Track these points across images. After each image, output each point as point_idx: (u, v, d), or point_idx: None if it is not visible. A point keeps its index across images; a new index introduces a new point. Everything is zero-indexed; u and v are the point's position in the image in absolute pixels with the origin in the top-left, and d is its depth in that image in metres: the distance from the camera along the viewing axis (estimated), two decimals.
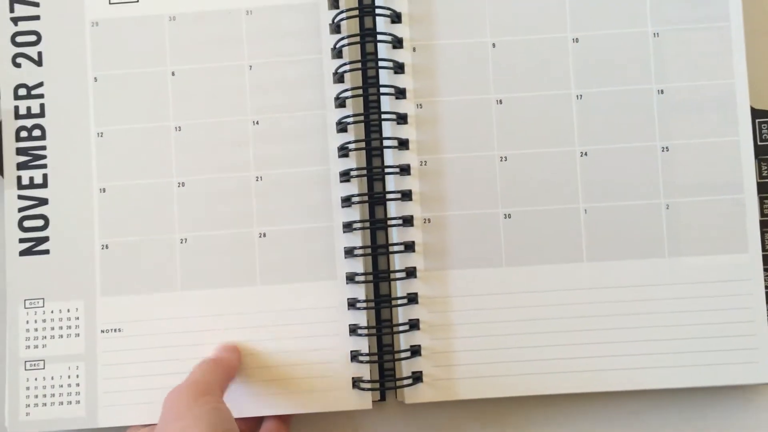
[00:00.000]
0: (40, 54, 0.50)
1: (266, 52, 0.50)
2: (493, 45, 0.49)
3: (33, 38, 0.50)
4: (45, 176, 0.50)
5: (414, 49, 0.49)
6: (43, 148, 0.50)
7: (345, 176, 0.48)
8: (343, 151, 0.48)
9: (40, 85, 0.50)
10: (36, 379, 0.48)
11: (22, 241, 0.49)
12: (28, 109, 0.50)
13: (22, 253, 0.49)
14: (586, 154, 0.48)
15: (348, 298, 0.48)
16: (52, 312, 0.49)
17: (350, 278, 0.48)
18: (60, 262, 0.49)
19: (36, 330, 0.49)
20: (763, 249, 0.48)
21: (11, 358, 0.49)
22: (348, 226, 0.48)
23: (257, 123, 0.49)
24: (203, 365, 0.45)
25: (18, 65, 0.50)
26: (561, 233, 0.48)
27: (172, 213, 0.49)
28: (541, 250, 0.48)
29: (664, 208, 0.48)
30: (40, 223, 0.49)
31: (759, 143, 0.49)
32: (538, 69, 0.49)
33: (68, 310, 0.49)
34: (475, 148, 0.48)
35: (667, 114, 0.48)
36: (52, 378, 0.48)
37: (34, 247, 0.49)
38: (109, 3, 0.50)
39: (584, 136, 0.48)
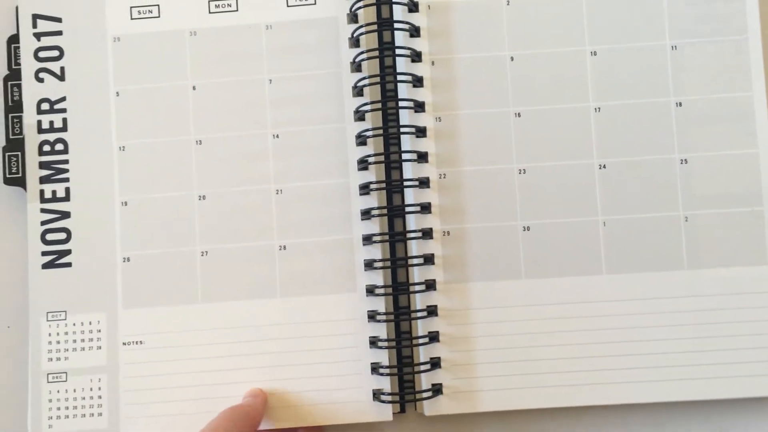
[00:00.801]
0: (62, 69, 0.51)
1: (286, 67, 0.50)
2: (512, 58, 0.49)
3: (56, 53, 0.51)
4: (67, 190, 0.50)
5: (433, 63, 0.49)
6: (66, 162, 0.50)
7: (364, 189, 0.48)
8: (363, 164, 0.48)
9: (63, 99, 0.51)
10: (58, 392, 0.49)
11: (45, 254, 0.50)
12: (51, 123, 0.51)
13: (45, 266, 0.50)
14: (604, 166, 0.48)
15: (368, 311, 0.48)
16: (74, 324, 0.49)
17: (370, 291, 0.48)
18: (82, 275, 0.50)
19: (58, 342, 0.49)
20: None
21: (34, 371, 0.49)
22: (367, 239, 0.48)
23: (277, 136, 0.50)
24: (223, 413, 0.44)
25: (41, 80, 0.51)
26: (580, 245, 0.48)
27: (193, 226, 0.49)
28: (561, 263, 0.48)
29: (683, 221, 0.48)
30: (62, 236, 0.50)
31: None
32: (557, 82, 0.49)
33: (90, 323, 0.49)
34: (494, 161, 0.49)
35: (686, 126, 0.48)
36: (75, 390, 0.49)
37: (56, 260, 0.50)
38: (131, 18, 0.51)
39: (603, 148, 0.48)
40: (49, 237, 0.50)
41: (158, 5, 0.51)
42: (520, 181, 0.48)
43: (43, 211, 0.50)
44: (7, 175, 0.51)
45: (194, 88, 0.50)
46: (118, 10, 0.51)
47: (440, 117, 0.49)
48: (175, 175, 0.50)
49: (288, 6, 0.50)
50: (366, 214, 0.48)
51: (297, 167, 0.49)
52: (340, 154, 0.49)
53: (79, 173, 0.50)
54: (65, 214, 0.50)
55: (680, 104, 0.49)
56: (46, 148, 0.50)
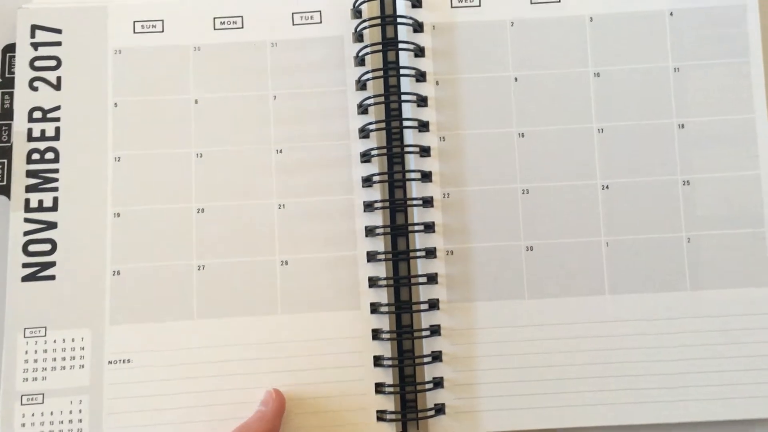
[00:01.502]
0: (59, 78, 0.50)
1: (291, 83, 0.50)
2: (515, 79, 0.49)
3: (53, 63, 0.51)
4: (55, 199, 0.49)
5: (437, 83, 0.49)
6: (56, 171, 0.49)
7: (369, 207, 0.48)
8: (368, 182, 0.48)
9: (57, 108, 0.50)
10: (33, 415, 0.46)
11: (25, 266, 0.48)
12: (42, 131, 0.50)
13: (25, 278, 0.48)
14: (607, 187, 0.49)
15: (372, 329, 0.48)
16: (54, 341, 0.47)
17: (374, 309, 0.48)
18: (66, 289, 0.48)
19: (35, 361, 0.47)
20: None
21: (6, 392, 0.46)
22: (371, 257, 0.48)
23: (280, 152, 0.50)
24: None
25: (35, 89, 0.50)
26: (583, 266, 0.48)
27: (190, 239, 0.49)
28: (564, 283, 0.48)
29: (686, 242, 0.48)
30: (46, 247, 0.48)
31: None
32: (560, 103, 0.49)
33: (73, 340, 0.47)
34: (498, 181, 0.49)
35: (688, 148, 0.49)
36: (51, 413, 0.46)
37: (38, 272, 0.48)
38: (134, 32, 0.51)
39: (605, 169, 0.49)
40: (32, 248, 0.48)
41: (162, 20, 0.51)
42: (524, 202, 0.49)
43: (27, 220, 0.49)
44: None
45: (196, 101, 0.50)
46: (121, 24, 0.51)
47: (444, 136, 0.49)
48: (174, 187, 0.49)
49: (294, 24, 0.51)
50: (370, 231, 0.48)
51: (300, 183, 0.49)
52: (344, 172, 0.49)
53: (70, 182, 0.49)
54: (51, 225, 0.49)
55: (683, 126, 0.49)
56: (35, 156, 0.49)
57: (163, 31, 0.51)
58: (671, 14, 0.50)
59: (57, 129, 0.50)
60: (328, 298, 0.48)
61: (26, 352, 0.47)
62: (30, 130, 0.50)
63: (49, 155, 0.49)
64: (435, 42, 0.50)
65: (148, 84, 0.50)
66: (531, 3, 0.50)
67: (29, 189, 0.49)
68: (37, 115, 0.50)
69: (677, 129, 0.49)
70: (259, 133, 0.50)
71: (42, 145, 0.50)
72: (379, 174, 0.48)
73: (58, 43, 0.51)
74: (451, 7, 0.50)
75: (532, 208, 0.49)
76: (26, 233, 0.48)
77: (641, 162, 0.49)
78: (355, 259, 0.48)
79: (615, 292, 0.48)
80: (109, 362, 0.47)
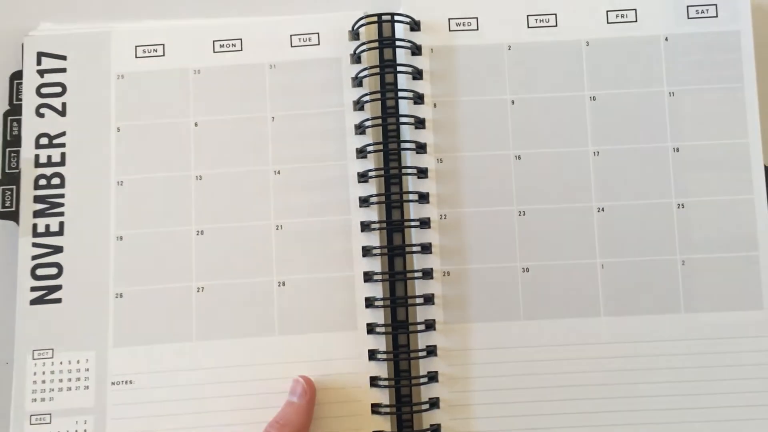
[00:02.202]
0: (64, 105, 0.51)
1: (289, 105, 0.50)
2: (512, 102, 0.50)
3: (58, 89, 0.51)
4: (62, 224, 0.50)
5: (435, 105, 0.50)
6: (62, 196, 0.50)
7: (366, 227, 0.49)
8: (365, 202, 0.49)
9: (63, 134, 0.51)
10: None
11: (34, 289, 0.49)
12: (49, 157, 0.50)
13: (34, 302, 0.49)
14: (603, 209, 0.49)
15: (369, 350, 0.48)
16: (61, 363, 0.48)
17: (370, 330, 0.48)
18: (72, 311, 0.49)
19: (44, 382, 0.48)
20: None
21: (16, 412, 0.48)
22: (368, 277, 0.48)
23: (278, 173, 0.50)
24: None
25: (41, 115, 0.51)
26: (578, 288, 0.49)
27: (189, 261, 0.49)
28: (559, 305, 0.48)
29: (680, 264, 0.49)
30: (53, 271, 0.49)
31: None
32: (556, 126, 0.50)
33: (78, 361, 0.48)
34: (494, 203, 0.49)
35: (683, 171, 0.49)
36: None
37: (46, 295, 0.49)
38: (136, 57, 0.51)
39: (601, 192, 0.49)
40: (40, 272, 0.49)
41: (163, 44, 0.51)
42: (520, 223, 0.49)
43: (35, 245, 0.49)
44: (1, 209, 0.51)
45: (196, 124, 0.50)
46: (124, 49, 0.51)
47: (441, 158, 0.50)
48: (174, 209, 0.50)
49: (292, 46, 0.51)
50: (368, 251, 0.49)
51: (298, 203, 0.50)
52: (342, 192, 0.50)
53: (75, 207, 0.50)
54: (58, 249, 0.49)
55: (677, 149, 0.49)
56: (42, 182, 0.50)
57: (164, 55, 0.51)
58: (666, 39, 0.50)
59: (63, 154, 0.50)
60: (325, 319, 0.48)
61: (35, 374, 0.48)
62: (37, 156, 0.50)
63: (56, 180, 0.50)
64: (433, 65, 0.50)
65: (149, 108, 0.51)
66: (528, 27, 0.50)
67: (37, 214, 0.50)
68: (44, 141, 0.51)
69: (672, 153, 0.49)
70: (258, 155, 0.50)
71: (49, 171, 0.50)
72: (376, 195, 0.49)
73: (63, 70, 0.51)
74: (449, 30, 0.50)
75: (529, 229, 0.49)
76: (34, 257, 0.49)
77: (636, 185, 0.49)
78: (352, 280, 0.49)
79: (610, 314, 0.48)
80: (113, 383, 0.48)
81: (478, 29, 0.50)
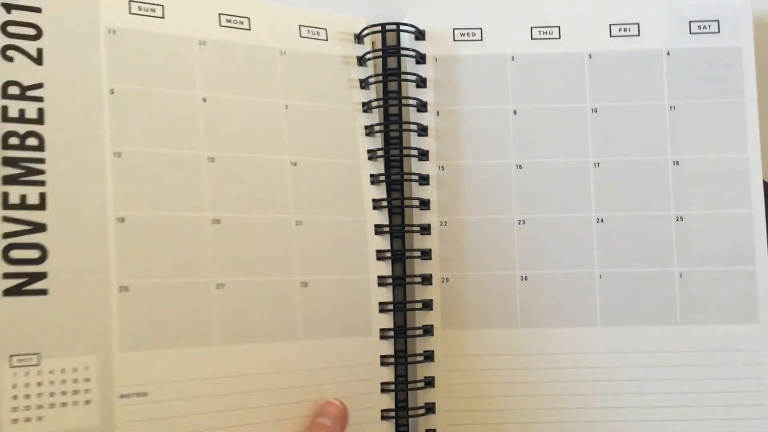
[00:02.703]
0: (40, 51, 0.42)
1: (301, 95, 0.48)
2: (515, 112, 0.50)
3: (32, 31, 0.42)
4: (42, 196, 0.40)
5: (438, 113, 0.51)
6: (41, 161, 0.41)
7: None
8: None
9: (39, 86, 0.42)
10: None
11: (8, 276, 0.39)
12: (21, 111, 0.41)
13: (9, 292, 0.39)
14: (602, 220, 0.50)
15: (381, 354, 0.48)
16: (51, 372, 0.39)
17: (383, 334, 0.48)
18: (63, 306, 0.40)
19: (28, 396, 0.38)
20: None
21: None
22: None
23: (295, 164, 0.47)
24: None
25: (9, 59, 0.41)
26: (576, 297, 0.49)
27: (206, 252, 0.44)
28: (557, 313, 0.49)
29: (678, 276, 0.49)
30: (34, 254, 0.40)
31: None
32: (558, 136, 0.50)
33: (75, 370, 0.39)
34: (494, 211, 0.50)
35: (682, 184, 0.50)
36: None
37: (25, 284, 0.39)
38: (129, 12, 0.45)
39: (601, 203, 0.50)
40: (15, 254, 0.39)
41: (162, 5, 0.46)
42: (520, 232, 0.49)
43: (7, 219, 0.40)
44: None
45: (204, 100, 0.45)
46: (113, 1, 0.45)
47: (443, 166, 0.50)
48: (185, 192, 0.44)
49: (301, 36, 0.49)
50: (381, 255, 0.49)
51: (316, 198, 0.47)
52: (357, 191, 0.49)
53: (60, 177, 0.41)
54: (39, 227, 0.40)
55: (677, 163, 0.50)
56: (13, 140, 0.41)
57: (163, 17, 0.46)
58: (668, 54, 0.51)
59: (40, 110, 0.41)
60: (341, 324, 0.47)
61: (14, 386, 0.38)
62: (5, 108, 0.41)
63: (32, 141, 0.41)
64: (437, 74, 0.51)
65: (148, 73, 0.44)
66: (531, 39, 0.51)
67: (7, 180, 0.40)
68: (14, 90, 0.41)
69: (672, 166, 0.50)
70: (273, 143, 0.47)
71: (21, 128, 0.41)
72: (378, 200, 0.49)
73: (38, 9, 0.42)
74: (454, 40, 0.51)
75: (528, 238, 0.49)
76: (7, 235, 0.39)
77: (636, 196, 0.50)
78: (360, 283, 0.48)
79: (607, 323, 0.49)
80: (122, 396, 0.40)
81: (482, 40, 0.51)
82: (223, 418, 0.42)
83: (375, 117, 0.50)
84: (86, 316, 0.40)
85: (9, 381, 0.38)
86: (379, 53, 0.51)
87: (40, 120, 0.41)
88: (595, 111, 0.50)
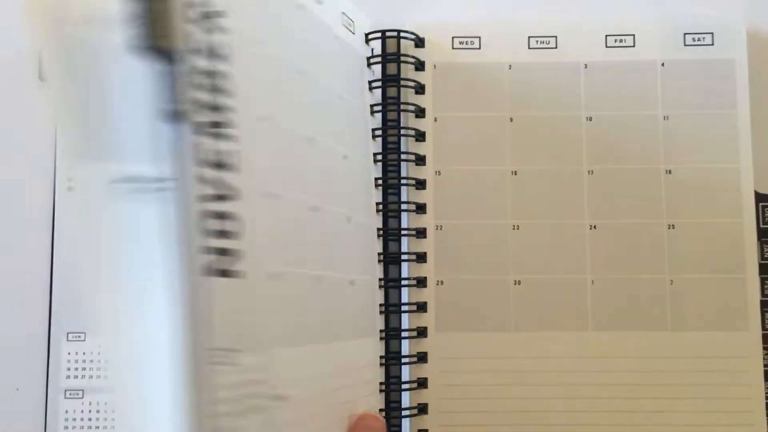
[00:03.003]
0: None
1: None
2: (511, 119, 0.51)
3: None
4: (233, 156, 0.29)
5: (435, 119, 0.51)
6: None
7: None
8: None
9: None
10: None
11: (206, 251, 0.27)
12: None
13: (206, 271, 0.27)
14: (595, 227, 0.50)
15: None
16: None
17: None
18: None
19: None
20: (763, 328, 0.49)
21: None
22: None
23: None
24: None
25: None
26: (568, 302, 0.50)
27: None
28: (549, 318, 0.50)
29: (669, 284, 0.50)
30: (233, 226, 0.29)
31: (761, 226, 0.51)
32: (553, 144, 0.51)
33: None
34: (489, 216, 0.51)
35: (674, 193, 0.50)
36: None
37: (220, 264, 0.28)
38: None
39: (594, 210, 0.50)
40: (214, 225, 0.28)
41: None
42: (514, 237, 0.50)
43: (204, 181, 0.28)
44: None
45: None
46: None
47: (440, 171, 0.51)
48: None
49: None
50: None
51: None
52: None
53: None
54: (230, 194, 0.29)
55: (670, 172, 0.51)
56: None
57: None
58: (663, 65, 0.52)
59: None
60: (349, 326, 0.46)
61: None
62: None
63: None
64: (435, 80, 0.52)
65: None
66: (529, 48, 0.52)
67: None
68: None
69: (664, 174, 0.51)
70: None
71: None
72: (378, 203, 0.50)
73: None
74: (452, 48, 0.52)
75: (522, 243, 0.50)
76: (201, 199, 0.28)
77: (629, 204, 0.51)
78: (361, 285, 0.48)
79: (598, 328, 0.49)
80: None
81: (480, 48, 0.52)
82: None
83: (377, 122, 0.51)
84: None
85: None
86: (378, 59, 0.51)
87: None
88: (590, 119, 0.51)
